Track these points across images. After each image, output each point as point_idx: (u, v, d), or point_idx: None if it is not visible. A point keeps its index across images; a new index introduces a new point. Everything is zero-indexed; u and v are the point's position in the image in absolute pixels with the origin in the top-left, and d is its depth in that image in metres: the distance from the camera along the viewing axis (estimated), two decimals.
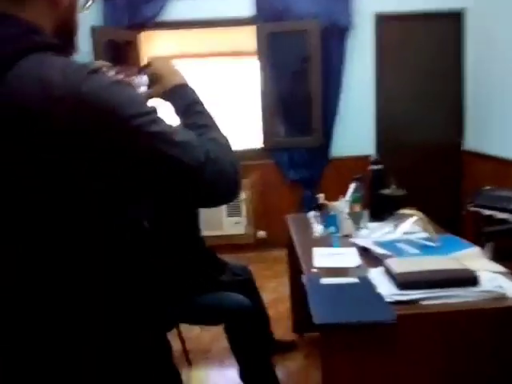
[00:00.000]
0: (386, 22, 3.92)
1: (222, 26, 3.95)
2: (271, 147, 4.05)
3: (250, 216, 4.11)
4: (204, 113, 0.97)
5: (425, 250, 1.93)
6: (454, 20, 3.97)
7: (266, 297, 3.37)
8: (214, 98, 4.90)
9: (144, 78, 1.10)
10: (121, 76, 1.12)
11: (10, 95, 0.70)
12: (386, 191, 2.50)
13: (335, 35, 3.88)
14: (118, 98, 0.74)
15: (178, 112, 1.00)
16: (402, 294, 1.54)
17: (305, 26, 3.84)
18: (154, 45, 4.22)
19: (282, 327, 2.86)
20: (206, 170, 0.79)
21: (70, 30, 0.89)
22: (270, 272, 3.76)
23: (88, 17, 3.77)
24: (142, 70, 1.10)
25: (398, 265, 1.69)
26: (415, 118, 4.14)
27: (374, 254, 1.95)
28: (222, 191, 0.84)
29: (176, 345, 2.61)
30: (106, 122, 0.73)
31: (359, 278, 1.73)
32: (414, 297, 1.53)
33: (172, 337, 2.59)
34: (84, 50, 3.70)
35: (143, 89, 1.09)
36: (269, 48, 3.88)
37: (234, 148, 0.93)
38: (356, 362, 1.47)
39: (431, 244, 1.97)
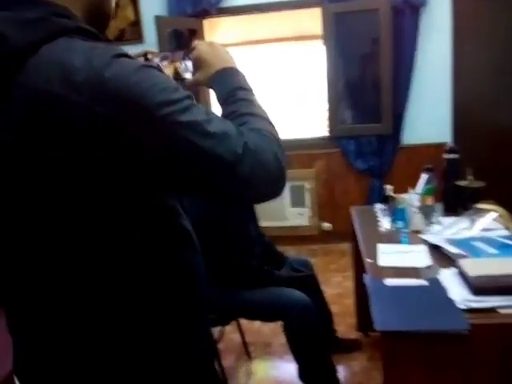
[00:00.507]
0: None
1: (286, 8, 3.82)
2: (338, 135, 3.88)
3: (314, 207, 3.98)
4: (249, 100, 0.87)
5: (505, 249, 1.72)
6: None
7: (330, 292, 3.26)
8: (279, 84, 4.81)
9: (189, 64, 1.03)
10: (166, 62, 1.06)
11: (28, 82, 0.65)
12: (462, 183, 2.28)
13: (407, 13, 3.60)
14: (145, 84, 0.67)
15: (219, 99, 0.91)
16: (478, 301, 1.38)
17: (374, 5, 3.60)
18: (218, 32, 4.18)
19: (346, 324, 2.74)
20: (245, 163, 0.70)
21: (103, 15, 0.83)
22: (335, 266, 3.62)
23: (153, 7, 3.80)
24: (187, 55, 1.03)
25: (474, 266, 1.51)
26: (497, 101, 3.76)
27: (446, 253, 1.77)
28: (264, 186, 0.75)
29: (237, 337, 2.59)
30: (131, 110, 0.66)
31: (429, 279, 1.57)
32: (490, 304, 1.36)
33: (232, 329, 2.57)
34: (149, 40, 3.76)
35: (188, 75, 1.03)
36: (335, 30, 3.69)
37: (281, 139, 0.83)
38: (422, 374, 1.33)
39: None
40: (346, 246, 3.58)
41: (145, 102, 0.66)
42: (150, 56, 1.08)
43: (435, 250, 1.83)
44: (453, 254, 1.73)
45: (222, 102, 0.89)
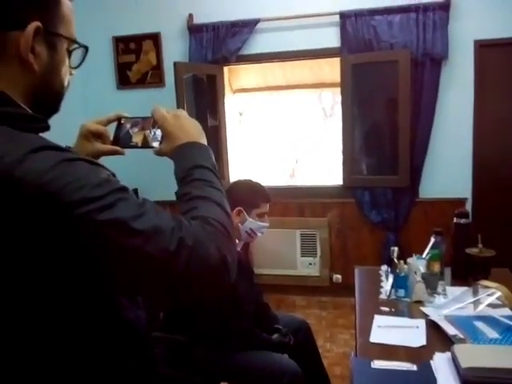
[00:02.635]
0: (486, 50, 3.51)
1: (305, 58, 3.83)
2: (352, 185, 3.80)
3: (325, 257, 3.86)
4: (205, 180, 0.84)
5: (507, 333, 1.59)
6: None
7: (336, 350, 3.13)
8: (297, 130, 4.81)
9: (159, 132, 1.00)
10: (136, 129, 1.04)
11: None
12: (472, 251, 2.16)
13: (428, 66, 3.55)
14: (61, 181, 0.64)
15: (177, 176, 0.87)
16: None
17: (394, 57, 3.57)
18: (238, 77, 4.23)
19: None
20: (179, 260, 0.67)
21: (53, 95, 0.81)
22: (344, 321, 3.47)
23: (174, 53, 3.89)
24: (156, 123, 1.00)
25: (469, 354, 1.40)
26: None
27: (444, 332, 1.66)
28: (203, 281, 0.71)
29: None
30: (46, 211, 0.63)
31: (420, 364, 1.46)
32: None
33: None
34: (169, 84, 3.83)
35: (156, 144, 0.99)
36: (353, 80, 3.66)
37: (230, 227, 0.79)
38: None
39: None
40: None
41: (60, 201, 0.63)
42: (122, 121, 1.06)
43: (435, 326, 1.72)
44: (451, 335, 1.61)
45: (180, 179, 0.86)
